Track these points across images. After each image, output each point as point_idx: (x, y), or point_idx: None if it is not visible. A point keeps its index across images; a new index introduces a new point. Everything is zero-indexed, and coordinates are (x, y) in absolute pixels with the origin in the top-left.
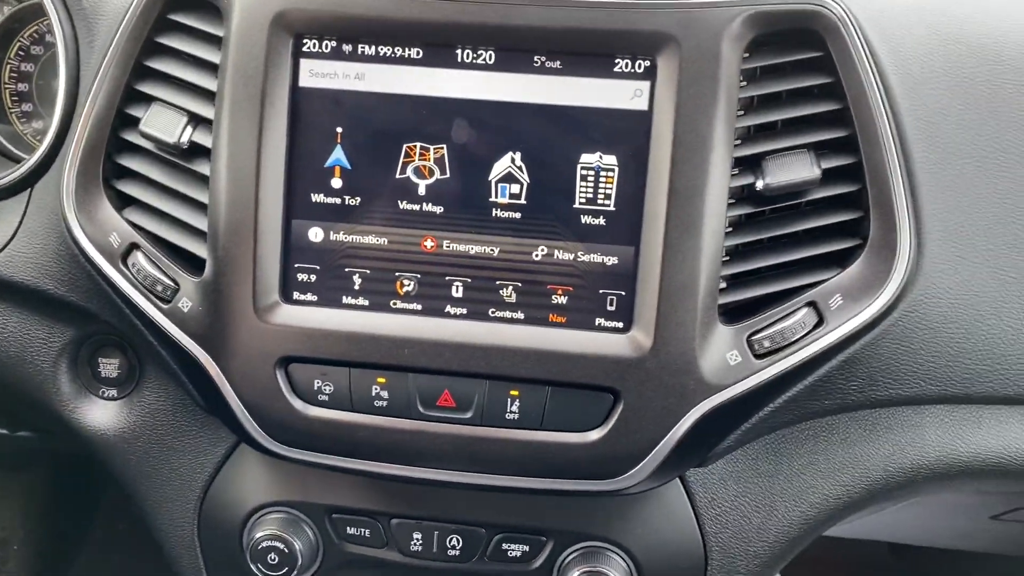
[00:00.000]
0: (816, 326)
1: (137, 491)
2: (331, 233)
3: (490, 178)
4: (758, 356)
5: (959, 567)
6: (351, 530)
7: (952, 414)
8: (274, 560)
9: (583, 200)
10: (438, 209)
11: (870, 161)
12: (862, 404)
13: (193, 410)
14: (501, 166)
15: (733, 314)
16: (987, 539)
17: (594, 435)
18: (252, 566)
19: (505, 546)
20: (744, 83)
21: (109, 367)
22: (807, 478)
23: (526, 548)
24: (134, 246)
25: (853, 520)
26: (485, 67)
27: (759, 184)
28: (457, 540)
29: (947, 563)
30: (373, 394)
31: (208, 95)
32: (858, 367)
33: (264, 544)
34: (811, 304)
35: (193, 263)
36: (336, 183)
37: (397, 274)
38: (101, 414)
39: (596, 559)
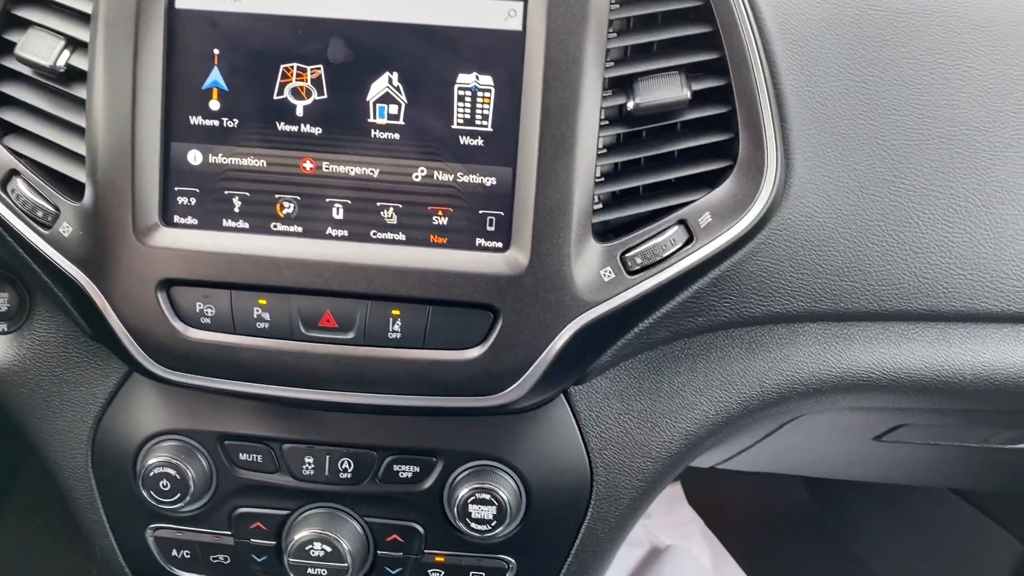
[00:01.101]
0: (686, 243)
1: (29, 424)
2: (210, 155)
3: (368, 99)
4: (631, 272)
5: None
6: (243, 456)
7: (824, 331)
8: (166, 487)
9: (461, 121)
10: (316, 130)
11: (739, 83)
12: (735, 321)
13: (84, 342)
14: (379, 87)
15: (608, 233)
16: (875, 464)
17: (475, 352)
18: (144, 493)
19: (396, 467)
20: (616, 5)
21: None
22: (687, 395)
23: (416, 469)
24: (13, 172)
25: (742, 448)
26: None
27: (630, 104)
28: (348, 463)
29: (867, 512)
30: (255, 316)
31: (85, 18)
32: (729, 285)
33: (156, 471)
34: (681, 222)
35: (73, 189)
36: (214, 105)
37: (277, 196)
38: None
39: (485, 477)
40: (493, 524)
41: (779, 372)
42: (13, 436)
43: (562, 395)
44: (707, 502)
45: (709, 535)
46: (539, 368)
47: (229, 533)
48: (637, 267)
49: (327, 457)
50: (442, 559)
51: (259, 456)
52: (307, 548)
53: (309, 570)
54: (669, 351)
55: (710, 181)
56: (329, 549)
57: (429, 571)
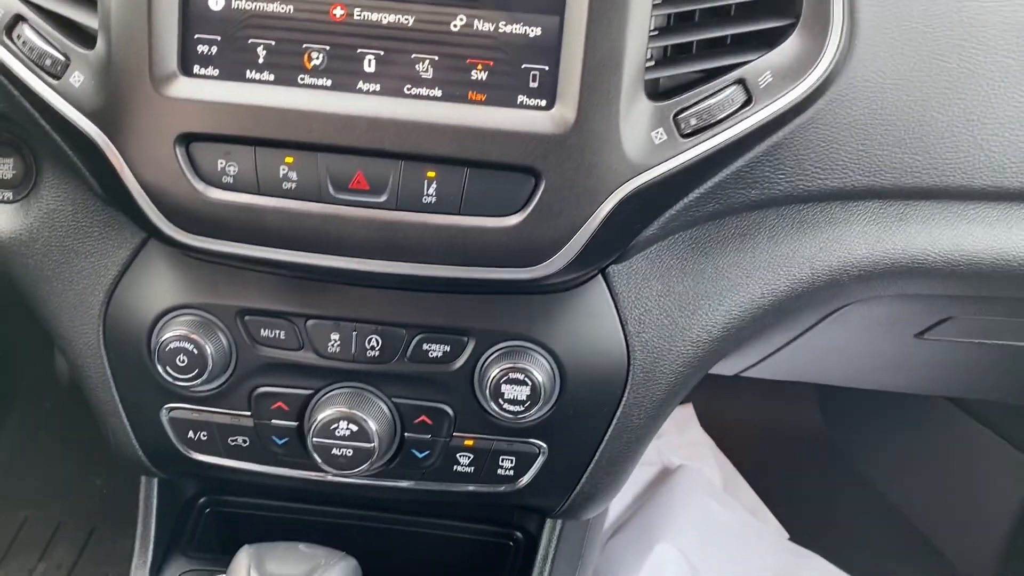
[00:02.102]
0: (744, 105)
1: (37, 297)
2: (233, 0)
3: None
4: (684, 135)
5: (891, 441)
6: (265, 332)
7: (880, 210)
8: (183, 362)
9: None
10: None
11: None
12: (789, 196)
13: (94, 211)
14: None
15: (659, 95)
16: (909, 370)
17: (514, 219)
18: (161, 369)
19: (426, 346)
20: None
21: (3, 167)
22: (732, 277)
23: (447, 348)
24: (19, 18)
25: (776, 347)
26: None
27: None
28: (376, 341)
29: (878, 435)
30: (281, 175)
31: None
32: (786, 154)
33: (173, 345)
34: (740, 82)
35: (85, 36)
36: None
37: (304, 46)
38: None
39: (518, 358)
40: (526, 406)
41: (831, 253)
42: (8, 351)
43: (600, 275)
44: (718, 424)
45: (720, 455)
46: (581, 238)
47: (248, 414)
48: (691, 129)
49: (354, 334)
50: (471, 442)
51: (282, 332)
52: (332, 427)
53: (334, 450)
54: (715, 230)
55: (770, 40)
56: (355, 428)
57: (458, 455)
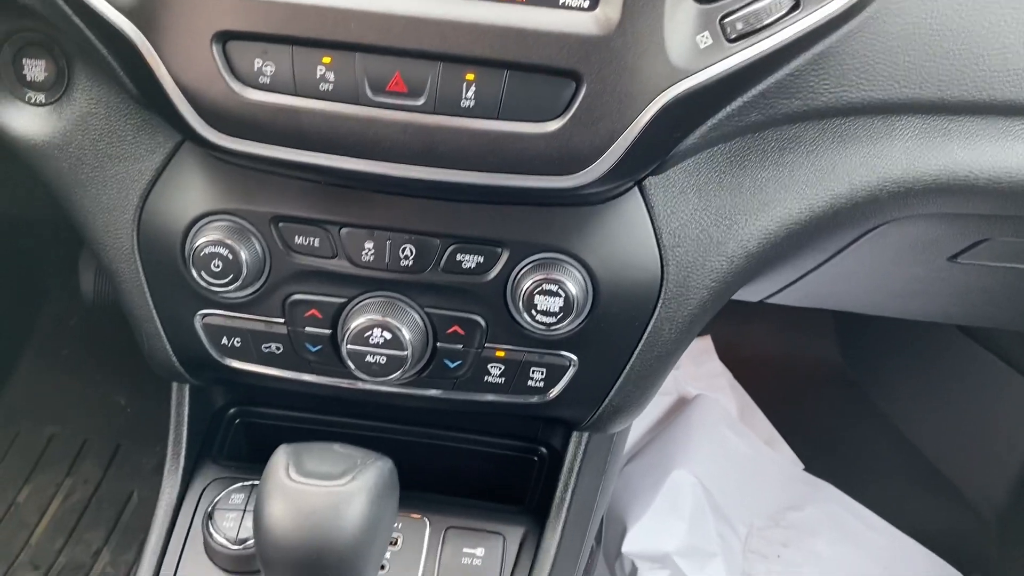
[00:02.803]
0: (792, 9)
1: (72, 202)
2: None
3: None
4: (730, 40)
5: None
6: (299, 240)
7: (923, 125)
8: (218, 267)
9: None
10: None
11: None
12: (832, 108)
13: (127, 115)
14: None
15: None
16: (938, 296)
17: (553, 125)
18: (195, 273)
19: (459, 257)
20: None
21: (35, 69)
22: (770, 191)
23: (480, 259)
24: None
25: (805, 270)
26: None
27: None
28: (410, 250)
29: (896, 370)
30: (318, 75)
31: None
32: (832, 63)
33: (208, 250)
34: None
35: None
36: None
37: None
38: (28, 121)
39: (552, 269)
40: (558, 317)
41: (871, 168)
42: (33, 268)
43: (636, 188)
44: (736, 356)
45: (737, 387)
46: (621, 146)
47: (282, 321)
48: (737, 34)
49: (388, 243)
50: (503, 353)
51: (316, 240)
52: (366, 335)
53: (367, 357)
54: (754, 143)
55: None
56: (388, 336)
57: (489, 365)
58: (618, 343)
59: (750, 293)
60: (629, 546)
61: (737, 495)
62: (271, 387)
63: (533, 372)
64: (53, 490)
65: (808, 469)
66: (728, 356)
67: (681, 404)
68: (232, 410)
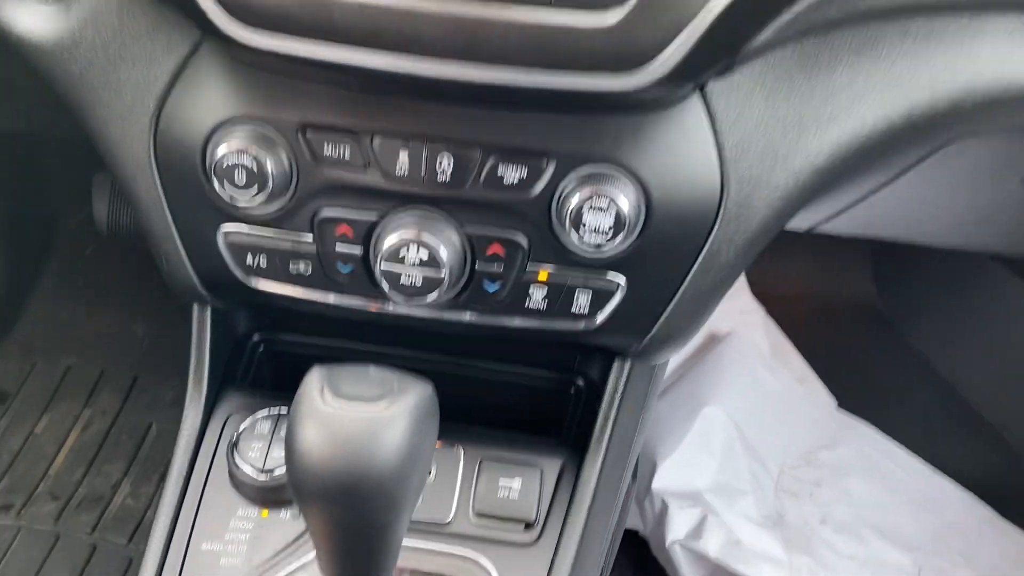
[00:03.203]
0: None
1: (83, 109)
2: None
3: None
4: None
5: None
6: (328, 150)
7: (1016, 26)
8: (242, 178)
9: None
10: None
11: None
12: (916, 4)
13: (140, 12)
14: None
15: None
16: (1001, 225)
17: (613, 16)
18: (217, 184)
19: (501, 170)
20: None
21: None
22: (842, 99)
23: (524, 172)
24: None
25: (864, 193)
26: None
27: None
28: (448, 162)
29: (934, 309)
30: None
31: None
32: None
33: (231, 160)
34: None
35: None
36: None
37: None
38: (35, 19)
39: (602, 183)
40: (608, 236)
41: (956, 74)
42: (46, 196)
43: (697, 93)
44: (769, 292)
45: (770, 324)
46: (688, 40)
47: (311, 239)
48: None
49: (424, 153)
50: (545, 276)
51: (346, 150)
52: (401, 253)
53: (402, 278)
54: (828, 45)
55: None
56: (424, 255)
57: (530, 289)
58: (671, 266)
59: (801, 220)
60: (659, 483)
61: (769, 433)
62: (298, 311)
63: (578, 296)
64: (71, 422)
65: (841, 407)
66: (761, 293)
67: (713, 341)
68: (256, 337)
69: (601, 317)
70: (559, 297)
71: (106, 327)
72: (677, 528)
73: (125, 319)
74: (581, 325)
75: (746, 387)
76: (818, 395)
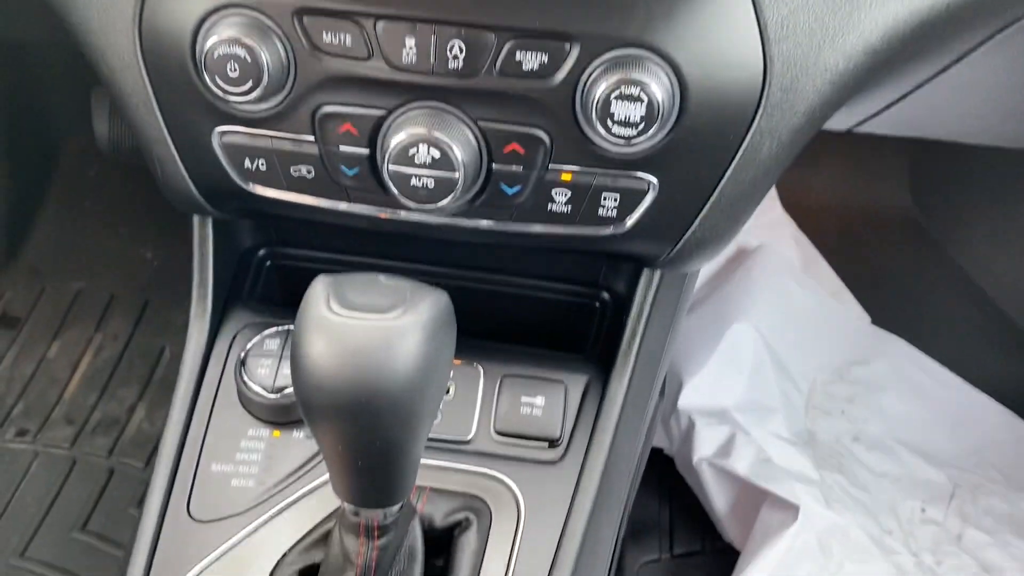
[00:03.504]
0: None
1: (64, 3)
2: None
3: None
4: None
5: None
6: (327, 37)
7: None
8: (235, 71)
9: None
10: None
11: None
12: None
13: None
14: None
15: None
16: None
17: None
18: (208, 80)
19: (519, 55)
20: None
21: None
22: None
23: (544, 58)
24: None
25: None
26: None
27: None
28: (459, 47)
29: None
30: None
31: None
32: None
33: (221, 51)
34: None
35: None
36: None
37: None
38: None
39: (632, 68)
40: (639, 128)
41: None
42: (49, 116)
43: None
44: (800, 204)
45: (801, 237)
46: None
47: (312, 139)
48: None
49: (433, 38)
50: (569, 176)
51: (347, 37)
52: (410, 152)
53: (413, 180)
54: None
55: None
56: (437, 154)
57: (553, 191)
58: (707, 161)
59: (839, 120)
60: (685, 401)
61: (800, 349)
62: (303, 220)
63: (605, 198)
64: (83, 346)
65: (875, 322)
66: (792, 205)
67: (741, 255)
68: (262, 251)
69: (630, 221)
70: (584, 200)
71: (114, 250)
72: (705, 446)
73: (133, 242)
74: (609, 231)
75: (776, 302)
76: (851, 310)
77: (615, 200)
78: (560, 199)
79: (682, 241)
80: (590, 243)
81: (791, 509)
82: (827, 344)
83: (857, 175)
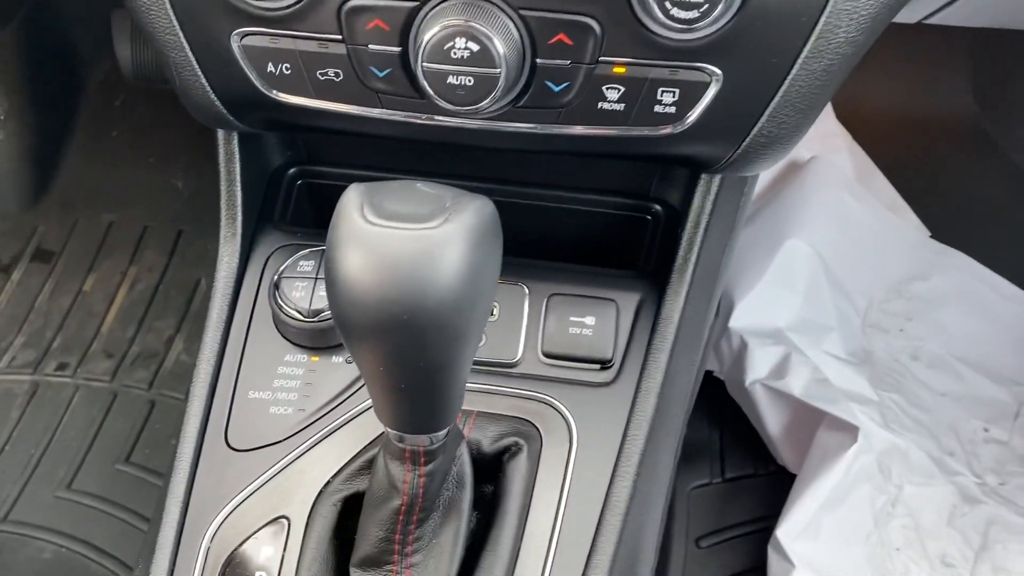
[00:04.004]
0: None
1: None
2: None
3: None
4: None
5: None
6: None
7: None
8: None
9: None
10: None
11: None
12: None
13: None
14: None
15: None
16: None
17: None
18: None
19: None
20: None
21: None
22: None
23: None
24: None
25: None
26: None
27: None
28: None
29: None
30: None
31: None
32: None
33: None
34: None
35: None
36: None
37: None
38: None
39: None
40: (701, 11)
41: None
42: (72, 45)
43: None
44: (855, 113)
45: (856, 148)
46: None
47: (339, 37)
48: None
49: None
50: (622, 70)
51: None
52: (446, 47)
53: (450, 78)
54: None
55: None
56: (475, 48)
57: (604, 87)
58: (777, 48)
59: (908, 13)
60: (737, 322)
61: (856, 265)
62: (333, 133)
63: (662, 94)
64: (118, 278)
65: (935, 236)
66: (846, 115)
67: (793, 169)
68: (292, 170)
69: (691, 119)
70: (639, 96)
71: (144, 181)
72: (758, 367)
73: (163, 171)
74: (666, 130)
75: (832, 216)
76: (909, 223)
77: (673, 96)
78: (612, 96)
79: (747, 140)
80: (645, 145)
81: (850, 430)
82: (884, 259)
83: (915, 80)
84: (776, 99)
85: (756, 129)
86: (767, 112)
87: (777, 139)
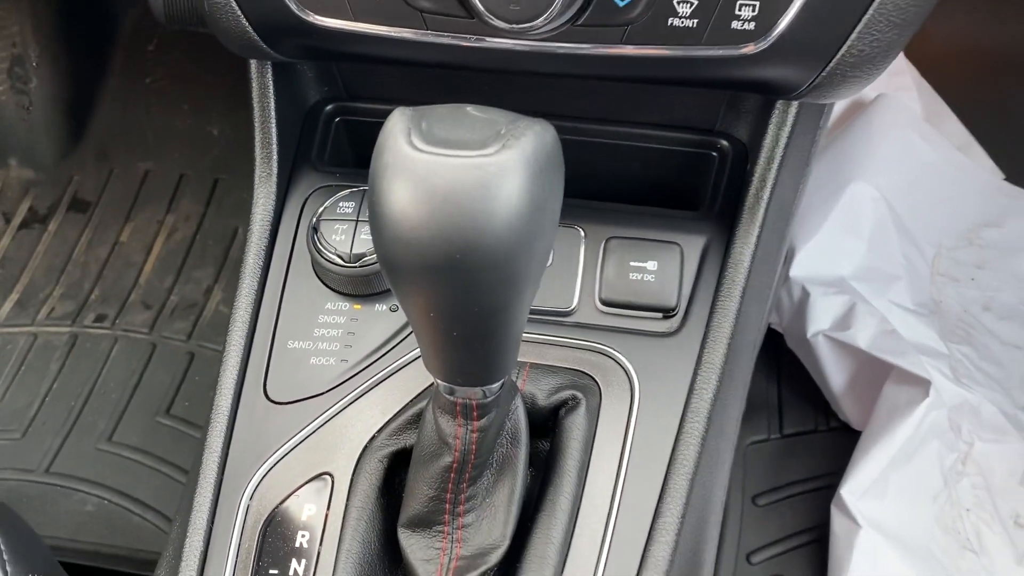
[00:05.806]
0: None
1: None
2: None
3: None
4: None
5: None
6: None
7: None
8: None
9: None
10: None
11: None
12: None
13: None
14: None
15: None
16: None
17: None
18: None
19: None
20: None
21: None
22: None
23: None
24: None
25: None
26: None
27: None
28: None
29: None
30: None
31: None
32: None
33: None
34: None
35: None
36: None
37: None
38: None
39: None
40: None
41: None
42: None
43: None
44: (924, 49)
45: (924, 86)
46: None
47: None
48: None
49: None
50: None
51: None
52: None
53: None
54: None
55: None
56: None
57: (675, 1)
58: None
59: None
60: (798, 270)
61: (925, 210)
62: (371, 58)
63: (741, 7)
64: (156, 228)
65: (1010, 179)
66: (913, 51)
67: (857, 108)
68: (329, 107)
69: (773, 35)
70: (715, 10)
71: (179, 128)
72: (821, 318)
73: (198, 118)
74: (746, 49)
75: (899, 159)
76: (981, 165)
77: (753, 9)
78: (684, 11)
79: (835, 60)
80: (720, 68)
81: (921, 384)
82: (955, 204)
83: (985, 15)
84: (870, 11)
85: (846, 47)
86: (859, 27)
87: (868, 59)
